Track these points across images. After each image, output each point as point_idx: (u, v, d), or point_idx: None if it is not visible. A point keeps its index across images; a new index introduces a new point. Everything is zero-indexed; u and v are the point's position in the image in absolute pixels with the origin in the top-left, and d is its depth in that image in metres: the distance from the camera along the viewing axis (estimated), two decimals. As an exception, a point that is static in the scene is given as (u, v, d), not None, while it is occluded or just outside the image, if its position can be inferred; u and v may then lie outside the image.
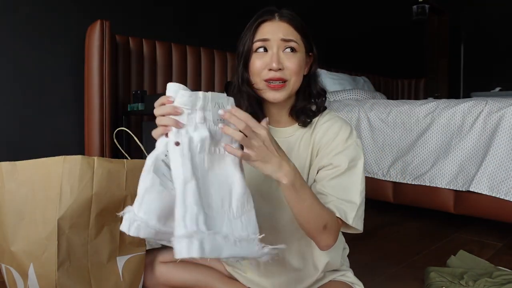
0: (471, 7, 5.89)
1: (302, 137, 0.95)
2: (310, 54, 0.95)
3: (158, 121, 0.69)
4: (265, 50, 0.88)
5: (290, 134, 0.95)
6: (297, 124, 0.95)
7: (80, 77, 2.14)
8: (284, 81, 0.87)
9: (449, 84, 5.90)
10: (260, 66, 0.87)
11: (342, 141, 0.90)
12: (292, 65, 0.87)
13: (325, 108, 0.97)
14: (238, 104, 0.84)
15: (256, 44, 0.88)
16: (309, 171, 0.94)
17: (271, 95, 0.88)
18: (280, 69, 0.86)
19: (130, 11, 2.40)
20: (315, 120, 0.95)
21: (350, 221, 0.85)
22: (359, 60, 4.23)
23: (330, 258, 0.99)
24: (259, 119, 0.75)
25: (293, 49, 0.88)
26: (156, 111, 0.70)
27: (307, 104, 0.94)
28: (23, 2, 1.98)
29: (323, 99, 0.96)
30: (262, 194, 0.93)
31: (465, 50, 6.01)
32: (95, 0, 2.24)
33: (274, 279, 1.03)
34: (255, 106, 0.92)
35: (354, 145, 0.90)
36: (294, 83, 0.89)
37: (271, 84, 0.87)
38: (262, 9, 0.92)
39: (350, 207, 0.86)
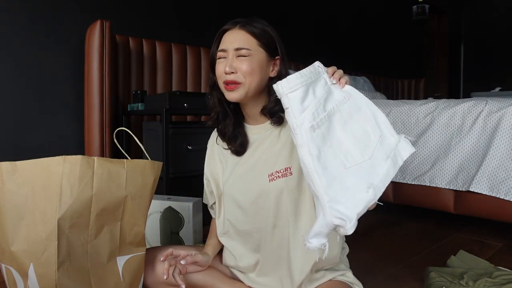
0: (471, 7, 5.89)
1: (280, 131, 1.04)
2: (277, 57, 1.04)
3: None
4: (224, 58, 1.01)
5: (267, 129, 1.06)
6: (269, 122, 1.05)
7: (80, 77, 2.14)
8: (237, 83, 0.99)
9: (449, 84, 5.90)
10: (220, 71, 1.01)
11: None
12: (244, 67, 0.98)
13: None
14: (210, 103, 1.08)
15: (218, 54, 1.02)
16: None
17: (228, 96, 1.01)
18: (233, 72, 0.98)
19: (130, 11, 2.40)
20: None
21: None
22: (359, 60, 4.23)
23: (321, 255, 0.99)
24: (230, 118, 1.06)
25: (246, 55, 0.99)
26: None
27: (275, 106, 1.02)
28: (23, 2, 1.98)
29: None
30: (265, 205, 1.01)
31: (465, 50, 6.01)
32: (95, 0, 2.24)
33: (273, 276, 1.05)
34: (225, 105, 1.07)
35: None
36: (249, 83, 0.99)
37: (227, 86, 1.00)
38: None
39: None
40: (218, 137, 1.12)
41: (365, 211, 0.75)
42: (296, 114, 0.78)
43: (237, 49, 0.98)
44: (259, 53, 1.00)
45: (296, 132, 0.78)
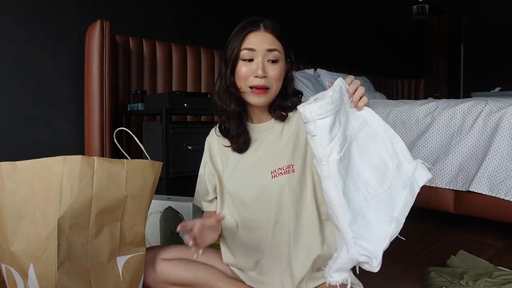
0: (471, 7, 5.89)
1: (283, 129, 1.04)
2: (288, 60, 1.05)
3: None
4: (251, 59, 0.98)
5: (270, 127, 1.06)
6: (273, 119, 1.05)
7: (80, 77, 2.14)
8: (267, 88, 0.98)
9: (449, 84, 5.90)
10: (246, 72, 0.98)
11: None
12: (275, 73, 0.98)
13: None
14: (226, 103, 1.03)
15: (243, 53, 0.98)
16: (305, 154, 1.01)
17: (254, 100, 0.99)
18: (264, 76, 0.97)
19: (130, 11, 2.40)
20: (291, 114, 1.05)
21: None
22: (359, 60, 4.23)
23: (321, 251, 1.01)
24: (242, 118, 1.04)
25: (276, 58, 0.98)
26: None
27: (282, 102, 1.04)
28: (23, 2, 1.98)
29: (299, 97, 1.07)
30: (266, 202, 1.02)
31: (465, 50, 6.01)
32: (95, 0, 2.24)
33: (273, 274, 1.05)
34: (241, 105, 1.04)
35: None
36: (276, 89, 1.00)
37: (255, 90, 0.98)
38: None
39: None
40: (218, 136, 1.12)
41: (388, 245, 0.71)
42: (324, 143, 0.70)
43: (270, 50, 0.97)
44: (283, 57, 1.01)
45: (322, 163, 0.70)
